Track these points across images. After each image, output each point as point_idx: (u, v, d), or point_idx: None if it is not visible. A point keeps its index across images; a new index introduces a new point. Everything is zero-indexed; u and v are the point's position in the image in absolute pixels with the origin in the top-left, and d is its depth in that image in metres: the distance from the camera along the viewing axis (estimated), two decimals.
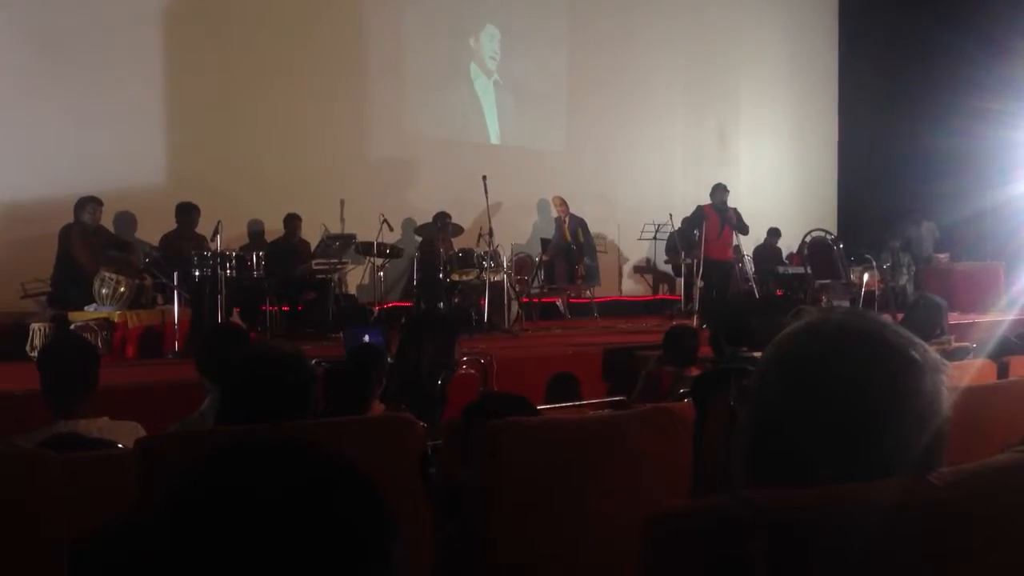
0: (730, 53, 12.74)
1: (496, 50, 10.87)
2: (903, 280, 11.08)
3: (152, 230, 7.73)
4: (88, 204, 6.98)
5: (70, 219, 6.97)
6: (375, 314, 8.12)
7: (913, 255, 11.61)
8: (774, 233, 11.79)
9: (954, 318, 6.68)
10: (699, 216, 9.36)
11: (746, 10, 12.88)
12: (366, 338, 5.22)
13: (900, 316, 5.83)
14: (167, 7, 8.43)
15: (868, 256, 10.25)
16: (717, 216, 9.35)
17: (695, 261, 9.23)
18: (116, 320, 6.38)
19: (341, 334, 6.10)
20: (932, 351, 1.04)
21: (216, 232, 7.03)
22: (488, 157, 10.03)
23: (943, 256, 11.86)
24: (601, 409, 4.49)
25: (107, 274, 6.54)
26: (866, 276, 9.95)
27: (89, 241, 6.99)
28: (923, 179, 11.82)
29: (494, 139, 10.84)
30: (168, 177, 8.34)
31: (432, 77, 10.30)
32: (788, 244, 11.75)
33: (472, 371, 5.63)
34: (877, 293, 10.04)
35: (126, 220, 7.95)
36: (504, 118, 10.98)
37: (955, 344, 4.85)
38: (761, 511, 0.91)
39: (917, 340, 1.04)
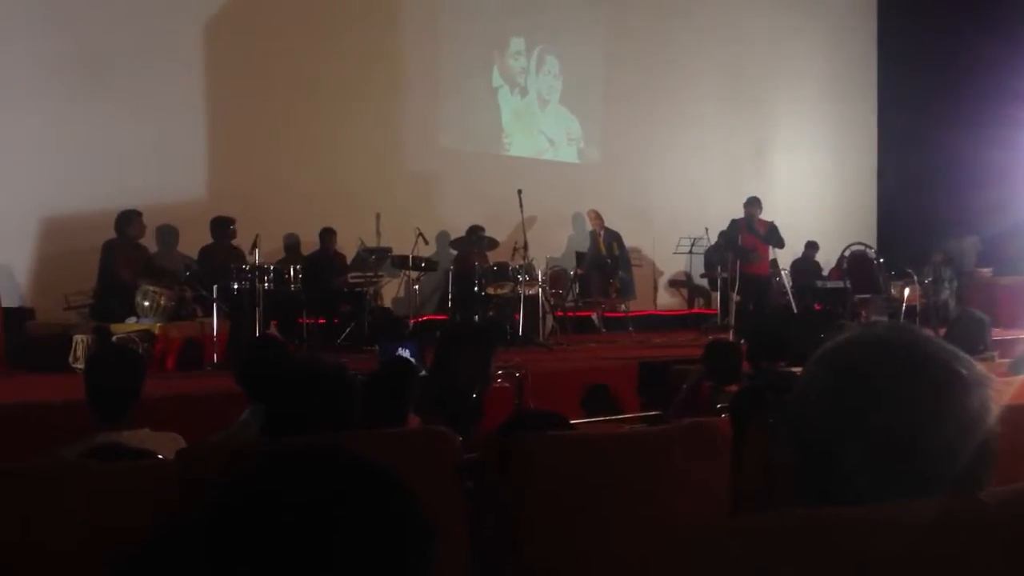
0: (767, 65, 12.66)
1: (530, 63, 10.91)
2: (945, 295, 10.89)
3: (193, 242, 7.84)
4: (132, 218, 7.13)
5: (112, 233, 7.12)
6: (410, 327, 8.14)
7: (955, 269, 11.40)
8: (812, 246, 11.66)
9: (997, 334, 6.56)
10: (735, 230, 9.30)
11: (784, 22, 12.79)
12: (402, 352, 5.23)
13: (942, 332, 5.72)
14: (207, 24, 8.58)
15: (909, 270, 10.09)
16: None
17: (731, 276, 9.15)
18: (157, 332, 6.47)
19: (376, 347, 6.13)
20: (978, 365, 1.02)
21: (254, 245, 7.13)
22: (524, 171, 10.05)
23: (986, 270, 11.64)
24: (637, 424, 4.46)
25: (149, 287, 6.66)
26: (907, 291, 9.80)
27: (131, 256, 7.14)
28: (965, 191, 11.62)
29: (530, 152, 10.86)
30: (208, 191, 8.47)
31: (467, 90, 10.35)
32: (827, 258, 11.61)
33: (507, 384, 5.62)
34: (918, 308, 9.88)
35: (167, 233, 8.09)
36: (539, 132, 11.01)
37: (999, 360, 4.75)
38: (804, 530, 0.90)
39: (962, 354, 1.02)
